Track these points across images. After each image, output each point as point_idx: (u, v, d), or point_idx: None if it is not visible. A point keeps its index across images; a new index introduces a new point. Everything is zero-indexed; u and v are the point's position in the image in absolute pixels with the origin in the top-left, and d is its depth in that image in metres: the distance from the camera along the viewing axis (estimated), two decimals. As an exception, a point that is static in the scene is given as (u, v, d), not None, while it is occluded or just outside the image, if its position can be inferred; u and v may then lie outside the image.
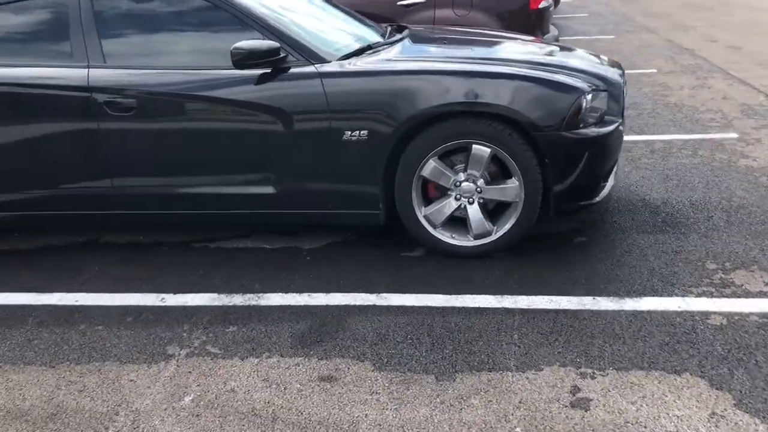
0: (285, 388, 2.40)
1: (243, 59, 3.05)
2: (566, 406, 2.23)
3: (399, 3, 5.58)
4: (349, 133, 3.13)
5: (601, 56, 3.79)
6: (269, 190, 3.29)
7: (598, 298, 2.88)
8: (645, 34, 10.32)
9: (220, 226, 3.76)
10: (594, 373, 2.39)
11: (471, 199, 3.23)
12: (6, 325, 2.94)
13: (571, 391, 2.30)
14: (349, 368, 2.50)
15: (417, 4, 5.57)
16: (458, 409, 2.25)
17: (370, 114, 3.10)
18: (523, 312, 2.81)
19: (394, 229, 3.42)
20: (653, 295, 2.87)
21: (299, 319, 2.85)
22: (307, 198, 3.30)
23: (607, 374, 2.38)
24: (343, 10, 3.99)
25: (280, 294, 3.07)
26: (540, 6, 5.59)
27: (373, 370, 2.48)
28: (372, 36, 3.77)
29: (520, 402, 2.27)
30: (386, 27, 4.12)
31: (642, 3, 14.56)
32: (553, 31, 6.11)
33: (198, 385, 2.45)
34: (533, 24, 5.55)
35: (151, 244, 3.68)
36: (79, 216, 3.50)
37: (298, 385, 2.42)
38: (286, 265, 3.35)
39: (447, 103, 3.04)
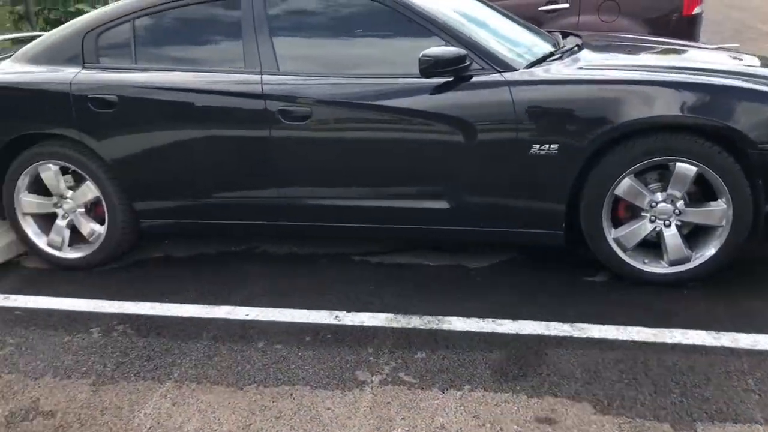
0: (501, 429, 2.18)
1: (431, 67, 2.86)
2: None
3: (541, 8, 5.32)
4: (538, 146, 2.90)
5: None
6: (443, 205, 3.09)
7: (834, 341, 2.53)
8: (772, 41, 9.66)
9: (385, 240, 3.58)
10: None
11: (667, 222, 2.93)
12: (181, 338, 2.84)
13: None
14: (567, 409, 2.26)
15: (560, 9, 5.29)
16: (712, 468, 1.98)
17: (563, 126, 2.86)
18: (749, 353, 2.49)
19: (566, 250, 3.16)
20: None
21: (491, 348, 2.63)
22: (484, 215, 3.08)
23: None
24: (508, 16, 3.77)
25: (461, 318, 2.85)
26: (693, 12, 5.21)
27: (595, 413, 2.23)
28: (545, 43, 3.53)
29: (785, 463, 1.97)
30: (555, 34, 3.86)
31: (753, 9, 13.72)
32: (701, 38, 5.71)
33: (403, 419, 2.26)
34: (684, 31, 5.17)
35: (308, 256, 3.55)
36: (239, 225, 3.40)
37: (516, 426, 2.19)
38: (457, 286, 3.14)
39: (655, 116, 2.77)
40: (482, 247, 3.47)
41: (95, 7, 10.63)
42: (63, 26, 3.53)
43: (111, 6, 3.41)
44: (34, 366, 2.71)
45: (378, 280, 3.24)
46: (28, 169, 3.43)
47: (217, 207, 3.34)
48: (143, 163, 3.31)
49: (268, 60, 3.15)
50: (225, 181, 3.28)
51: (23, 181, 3.47)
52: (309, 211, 3.25)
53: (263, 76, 3.13)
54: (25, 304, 3.22)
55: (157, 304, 3.13)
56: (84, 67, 3.33)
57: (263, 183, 3.24)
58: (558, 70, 3.01)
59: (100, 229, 3.48)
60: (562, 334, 2.69)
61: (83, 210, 3.50)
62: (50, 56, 3.43)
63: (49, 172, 3.42)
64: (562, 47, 3.45)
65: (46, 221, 3.60)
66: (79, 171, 3.39)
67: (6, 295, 3.31)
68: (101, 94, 3.25)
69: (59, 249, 3.55)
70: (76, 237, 3.57)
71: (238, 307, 3.06)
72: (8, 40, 4.31)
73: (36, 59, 3.46)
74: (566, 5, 5.30)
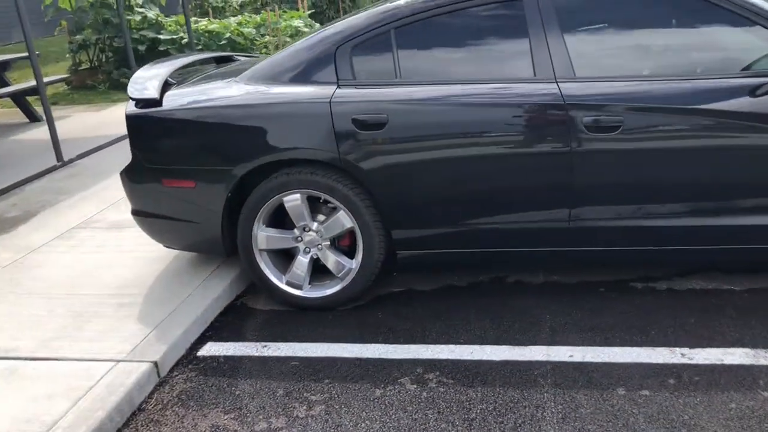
0: None
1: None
2: None
3: None
4: None
5: None
6: (776, 220, 2.73)
7: None
8: None
9: (695, 264, 3.23)
10: None
11: None
12: (515, 386, 2.45)
13: None
14: None
15: None
16: None
17: None
18: None
19: None
20: None
21: None
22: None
23: None
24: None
25: (833, 350, 2.48)
26: None
27: None
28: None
29: None
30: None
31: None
32: None
33: None
34: None
35: (581, 285, 3.17)
36: (511, 253, 3.03)
37: None
38: (789, 312, 2.77)
39: None
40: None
41: (160, 33, 10.38)
42: (299, 42, 3.17)
43: (365, 15, 3.05)
44: (368, 427, 2.32)
45: (690, 309, 2.87)
46: (272, 199, 3.05)
47: (491, 233, 2.97)
48: (413, 188, 2.93)
49: (562, 65, 2.80)
50: (506, 204, 2.91)
51: (263, 213, 3.10)
52: (606, 234, 2.88)
53: (559, 83, 2.78)
54: (294, 353, 2.83)
55: (455, 347, 2.75)
56: (339, 85, 2.98)
57: (553, 204, 2.87)
58: None
59: (351, 263, 3.11)
60: None
61: (328, 243, 3.13)
62: (292, 74, 3.06)
63: (296, 202, 3.05)
64: None
65: (278, 257, 3.23)
66: (332, 199, 3.01)
67: (264, 344, 2.93)
68: (368, 113, 2.88)
69: (299, 288, 3.17)
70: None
71: (553, 347, 2.68)
72: (194, 62, 3.86)
73: (272, 78, 3.08)
74: None
